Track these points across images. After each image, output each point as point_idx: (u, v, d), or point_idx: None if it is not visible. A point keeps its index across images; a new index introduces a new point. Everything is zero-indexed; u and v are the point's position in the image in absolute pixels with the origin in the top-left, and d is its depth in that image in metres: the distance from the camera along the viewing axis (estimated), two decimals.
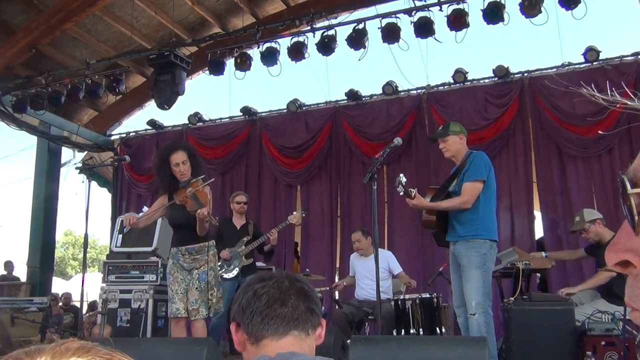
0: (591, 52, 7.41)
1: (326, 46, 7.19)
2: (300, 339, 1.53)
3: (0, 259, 10.92)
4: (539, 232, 7.70)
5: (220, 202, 8.73)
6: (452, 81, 8.24)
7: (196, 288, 4.87)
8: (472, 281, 4.49)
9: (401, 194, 4.65)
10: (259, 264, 7.41)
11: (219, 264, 6.44)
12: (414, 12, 6.79)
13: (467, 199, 4.60)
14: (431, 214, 4.82)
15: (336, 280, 8.25)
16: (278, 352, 1.45)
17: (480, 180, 4.62)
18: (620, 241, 0.54)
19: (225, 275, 6.51)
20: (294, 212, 7.09)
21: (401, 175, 4.67)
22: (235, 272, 6.53)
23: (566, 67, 7.70)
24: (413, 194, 4.60)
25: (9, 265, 10.47)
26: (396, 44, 6.93)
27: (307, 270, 7.43)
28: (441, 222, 4.80)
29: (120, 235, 7.49)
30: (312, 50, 7.30)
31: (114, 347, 0.71)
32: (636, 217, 0.52)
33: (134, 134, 10.51)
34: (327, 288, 7.05)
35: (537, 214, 7.75)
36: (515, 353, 4.69)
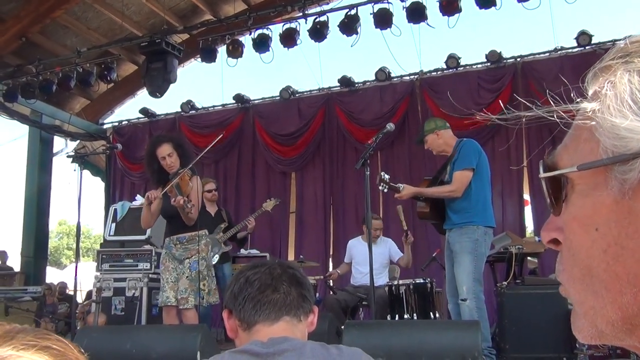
0: (583, 36, 7.40)
1: (318, 32, 7.16)
2: (292, 325, 1.53)
3: None
4: (529, 216, 7.75)
5: None
6: (444, 67, 8.23)
7: (187, 277, 4.87)
8: (463, 266, 4.50)
9: (385, 191, 4.64)
10: (253, 251, 7.42)
11: None
12: None
13: (456, 188, 4.59)
14: (425, 205, 4.83)
15: (330, 266, 8.27)
16: (270, 337, 1.46)
17: (469, 168, 4.61)
18: (552, 220, 0.58)
19: None
20: (269, 200, 7.03)
21: (382, 172, 4.64)
22: (215, 258, 6.50)
23: (559, 52, 7.70)
24: (401, 188, 4.61)
25: (2, 255, 10.43)
26: (388, 29, 6.91)
27: (301, 257, 7.45)
28: (436, 212, 4.81)
29: (114, 224, 7.48)
30: (304, 36, 7.28)
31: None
32: (547, 200, 0.56)
33: (127, 122, 10.48)
34: (321, 277, 7.06)
35: (528, 198, 7.79)
36: (508, 337, 4.72)
